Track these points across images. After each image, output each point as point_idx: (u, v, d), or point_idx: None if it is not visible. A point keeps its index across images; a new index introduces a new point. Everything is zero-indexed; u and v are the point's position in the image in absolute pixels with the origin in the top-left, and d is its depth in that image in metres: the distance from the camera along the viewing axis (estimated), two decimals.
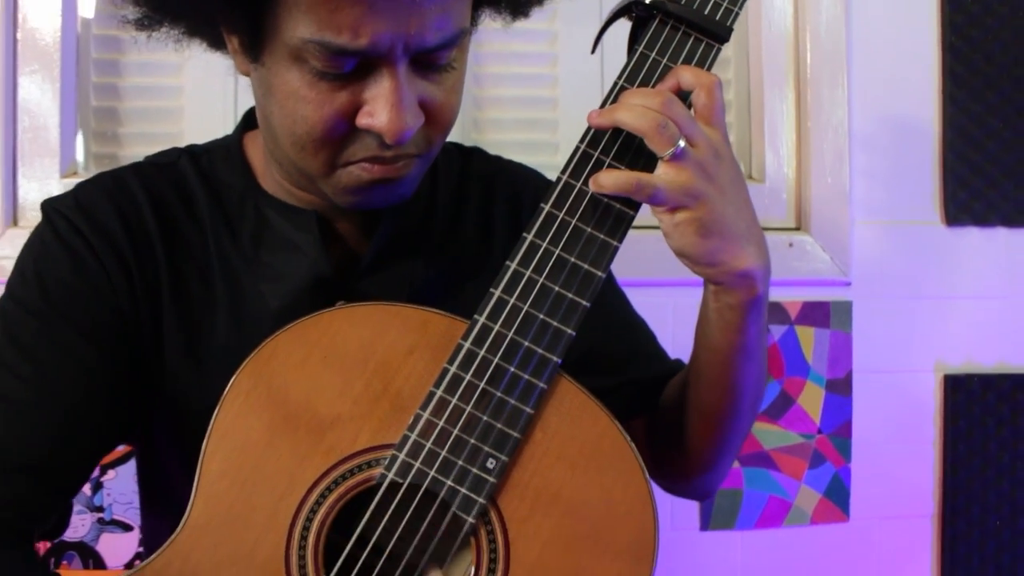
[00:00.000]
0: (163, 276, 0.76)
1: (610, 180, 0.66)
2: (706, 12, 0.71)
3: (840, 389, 1.36)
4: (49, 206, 0.77)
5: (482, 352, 0.66)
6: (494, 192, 0.88)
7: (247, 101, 1.31)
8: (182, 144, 1.34)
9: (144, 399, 0.76)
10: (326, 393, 0.66)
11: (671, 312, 1.29)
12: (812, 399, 1.35)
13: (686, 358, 0.81)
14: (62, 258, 0.74)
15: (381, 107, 0.65)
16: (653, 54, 0.71)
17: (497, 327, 0.66)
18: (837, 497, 1.36)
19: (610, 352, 0.85)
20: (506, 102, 1.40)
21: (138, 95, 1.34)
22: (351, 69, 0.65)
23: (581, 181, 0.68)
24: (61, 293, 0.73)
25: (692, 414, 0.78)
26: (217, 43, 0.75)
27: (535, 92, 1.41)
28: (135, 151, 1.34)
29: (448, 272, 0.82)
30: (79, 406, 0.71)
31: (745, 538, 1.36)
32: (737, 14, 0.72)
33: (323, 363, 0.67)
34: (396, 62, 0.64)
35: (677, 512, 1.33)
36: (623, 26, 0.74)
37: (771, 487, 1.35)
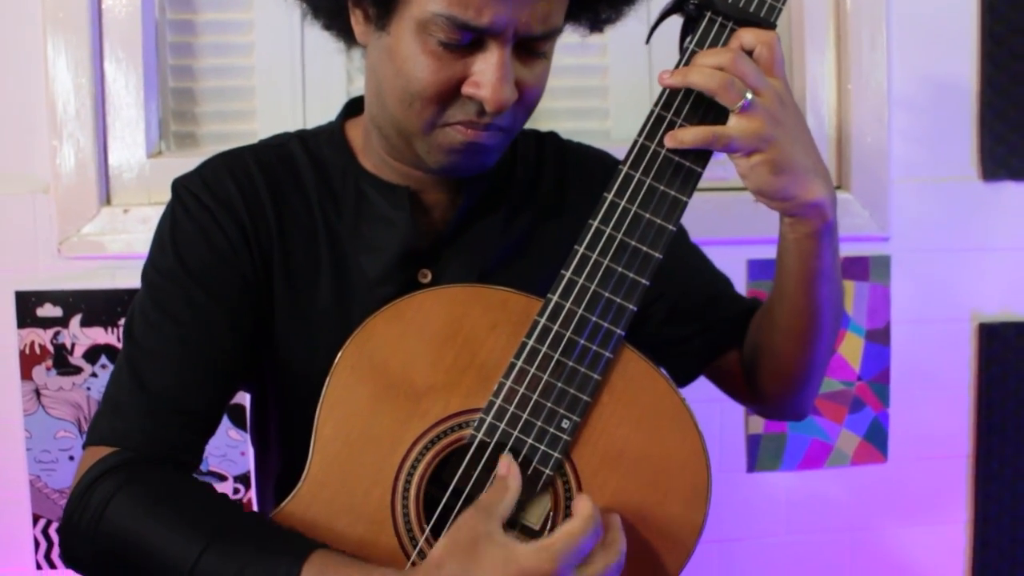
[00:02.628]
0: (275, 243, 0.86)
1: (689, 135, 0.74)
2: (752, 9, 0.78)
3: (879, 339, 1.44)
4: (180, 184, 0.88)
5: (555, 327, 0.76)
6: (566, 171, 0.97)
7: (313, 78, 1.42)
8: (254, 120, 1.46)
9: (259, 352, 0.87)
10: (420, 365, 0.77)
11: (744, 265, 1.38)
12: (852, 348, 1.43)
13: None
14: (193, 232, 0.85)
15: (487, 79, 0.75)
16: (704, 51, 0.78)
17: (568, 304, 0.76)
18: (876, 440, 1.45)
19: (695, 300, 0.95)
20: (558, 73, 1.46)
21: (212, 75, 1.43)
22: (466, 43, 0.75)
23: (655, 142, 0.76)
24: (195, 262, 0.84)
25: (780, 338, 0.87)
26: (335, 16, 0.85)
27: (587, 82, 1.46)
28: (211, 128, 1.44)
29: (522, 243, 0.92)
30: (213, 358, 0.82)
31: (789, 479, 1.45)
32: (780, 10, 0.79)
33: (417, 338, 0.77)
34: (505, 43, 0.75)
35: (725, 454, 1.43)
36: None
37: (814, 431, 1.44)
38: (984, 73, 1.43)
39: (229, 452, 1.36)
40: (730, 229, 1.37)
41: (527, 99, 0.81)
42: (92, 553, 0.75)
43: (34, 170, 1.33)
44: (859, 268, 1.43)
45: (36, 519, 1.35)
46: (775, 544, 1.46)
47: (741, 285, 1.41)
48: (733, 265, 1.40)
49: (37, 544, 1.35)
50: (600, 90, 1.47)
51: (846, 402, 1.43)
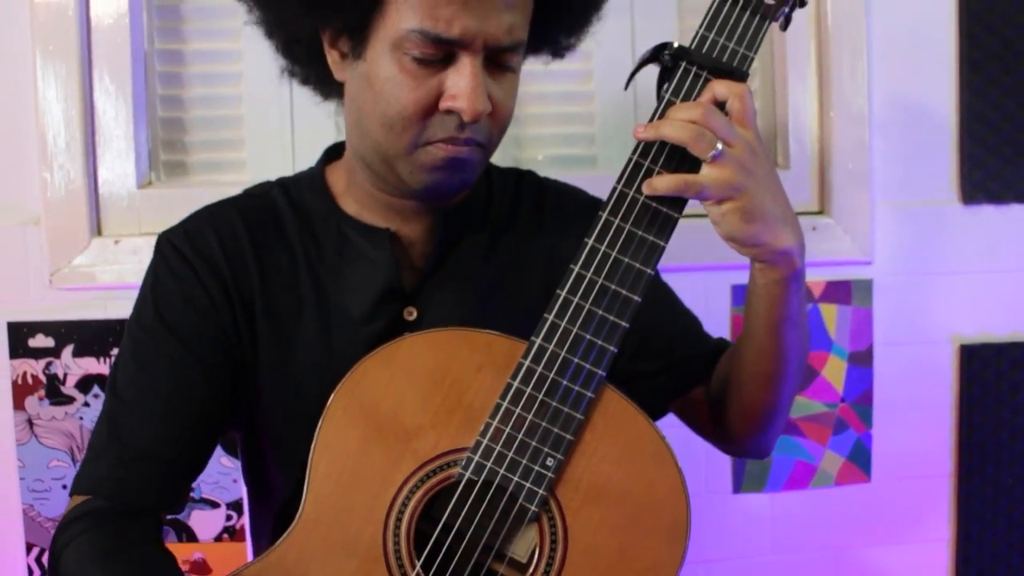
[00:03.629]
0: (256, 291, 0.91)
1: (663, 183, 0.79)
2: (724, 59, 0.83)
3: (862, 361, 1.49)
4: (164, 239, 0.94)
5: (539, 368, 0.80)
6: (544, 208, 1.02)
7: (301, 108, 1.46)
8: (243, 148, 1.50)
9: (245, 396, 0.92)
10: (409, 406, 0.81)
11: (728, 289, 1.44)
12: (835, 371, 1.48)
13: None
14: (173, 287, 0.90)
15: (462, 89, 0.81)
16: (679, 100, 0.83)
17: (551, 347, 0.81)
18: (859, 460, 1.50)
19: (663, 337, 1.00)
20: (545, 100, 1.50)
21: (201, 105, 1.47)
22: (439, 58, 0.81)
23: (634, 189, 0.81)
24: (173, 317, 0.89)
25: (746, 380, 0.92)
26: (312, 63, 0.91)
27: (573, 109, 1.51)
28: (201, 157, 1.48)
29: (502, 278, 0.97)
30: (190, 410, 0.88)
31: (774, 499, 1.50)
32: (752, 60, 0.84)
33: (406, 381, 0.82)
34: (475, 55, 0.81)
35: (711, 476, 1.48)
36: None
37: (798, 452, 1.49)
38: (962, 99, 1.48)
39: (222, 479, 1.40)
40: (715, 255, 1.39)
41: (500, 114, 0.86)
42: None
43: (25, 202, 1.37)
44: (842, 292, 1.48)
45: (29, 547, 1.39)
46: (761, 564, 1.50)
47: (725, 309, 1.45)
48: (717, 290, 1.46)
49: (30, 572, 1.39)
50: (586, 116, 1.51)
51: (829, 423, 1.48)
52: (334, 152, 1.00)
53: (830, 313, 1.47)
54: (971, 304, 1.51)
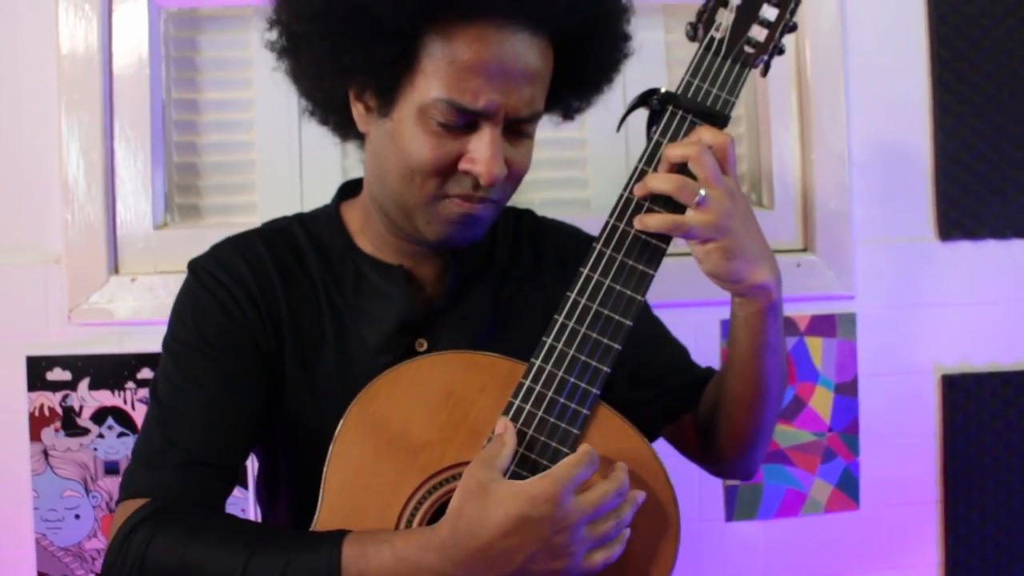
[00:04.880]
0: (284, 317, 0.98)
1: (654, 221, 0.87)
2: (708, 103, 0.92)
3: (847, 391, 1.56)
4: (196, 264, 1.00)
5: (538, 387, 0.87)
6: (543, 246, 1.10)
7: (310, 150, 1.54)
8: (254, 192, 1.57)
9: (271, 412, 0.98)
10: (418, 423, 0.88)
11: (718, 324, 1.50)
12: (822, 401, 1.55)
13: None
14: (212, 306, 0.97)
15: (481, 156, 0.88)
16: (666, 141, 0.91)
17: (549, 367, 0.87)
18: (848, 488, 1.56)
19: (653, 366, 1.07)
20: (540, 146, 1.59)
21: (214, 151, 1.55)
22: (462, 125, 0.88)
23: (624, 222, 0.89)
24: (213, 332, 0.96)
25: (731, 404, 0.99)
26: (335, 112, 0.99)
27: (564, 154, 1.60)
28: (214, 200, 1.56)
29: (506, 314, 1.04)
30: (235, 417, 0.94)
31: (766, 527, 1.55)
32: (733, 103, 0.93)
33: (415, 399, 0.89)
34: (496, 125, 0.89)
35: (705, 505, 1.54)
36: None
37: (788, 481, 1.55)
38: (937, 141, 1.57)
39: (230, 509, 1.45)
40: (705, 292, 1.46)
41: (514, 175, 0.94)
42: None
43: (47, 241, 1.45)
44: (827, 325, 1.55)
45: None
46: None
47: (715, 342, 1.53)
48: (707, 325, 1.53)
49: None
50: (579, 161, 1.60)
51: (818, 452, 1.55)
52: (348, 190, 1.07)
53: (816, 346, 1.55)
54: (951, 336, 1.58)
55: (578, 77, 0.98)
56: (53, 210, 1.45)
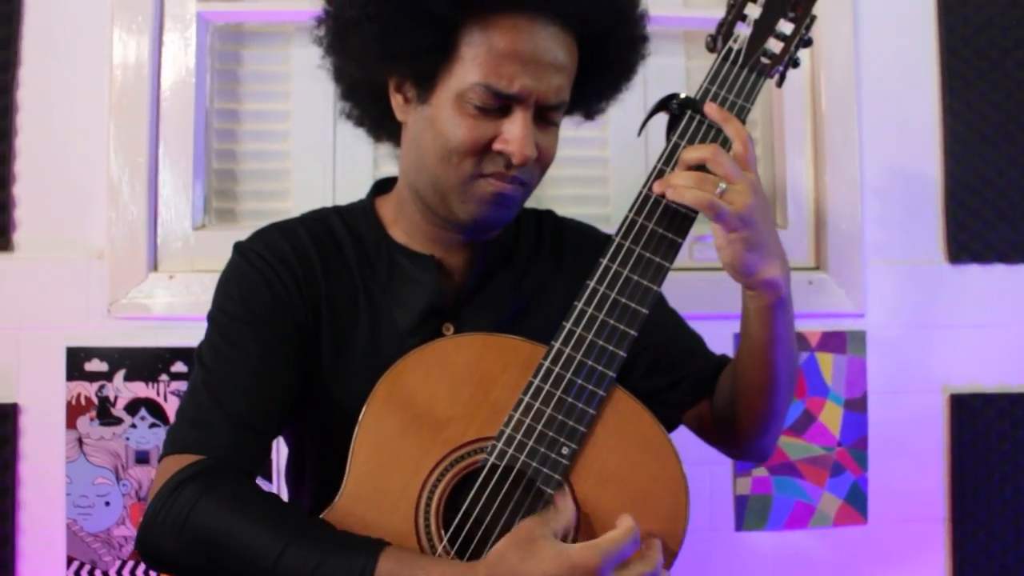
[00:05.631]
0: (322, 297, 1.04)
1: (689, 196, 0.90)
2: (725, 108, 0.98)
3: (857, 407, 1.60)
4: (242, 245, 1.07)
5: (557, 369, 0.92)
6: (563, 242, 1.17)
7: (343, 161, 1.62)
8: (288, 199, 1.65)
9: (307, 387, 1.03)
10: (442, 400, 0.93)
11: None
12: (832, 416, 1.59)
13: None
14: (257, 281, 1.03)
15: (515, 136, 0.96)
16: (684, 143, 0.97)
17: (568, 350, 0.93)
18: (856, 502, 1.59)
19: (672, 354, 1.13)
20: (565, 164, 1.67)
21: (252, 159, 1.63)
22: (497, 108, 0.96)
23: (643, 217, 0.95)
24: (259, 306, 1.02)
25: (744, 391, 1.04)
26: (372, 103, 1.07)
27: (589, 152, 1.68)
28: (249, 206, 1.63)
29: (528, 302, 1.10)
30: (277, 386, 1.00)
31: (775, 538, 1.58)
32: (749, 110, 0.99)
33: (440, 377, 0.94)
34: (528, 109, 0.97)
35: (715, 515, 1.57)
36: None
37: (797, 493, 1.58)
38: (947, 167, 1.62)
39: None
40: (719, 305, 1.54)
41: (543, 160, 1.02)
42: (176, 547, 0.87)
43: (90, 238, 1.53)
44: (837, 342, 1.60)
45: (70, 561, 1.49)
46: None
47: (728, 354, 1.57)
48: (721, 337, 1.57)
49: None
50: (601, 179, 1.66)
51: (827, 466, 1.58)
52: (382, 187, 1.15)
53: (826, 362, 1.59)
54: (960, 356, 1.62)
55: (599, 76, 1.06)
56: (98, 208, 1.53)
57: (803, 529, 1.58)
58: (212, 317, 1.03)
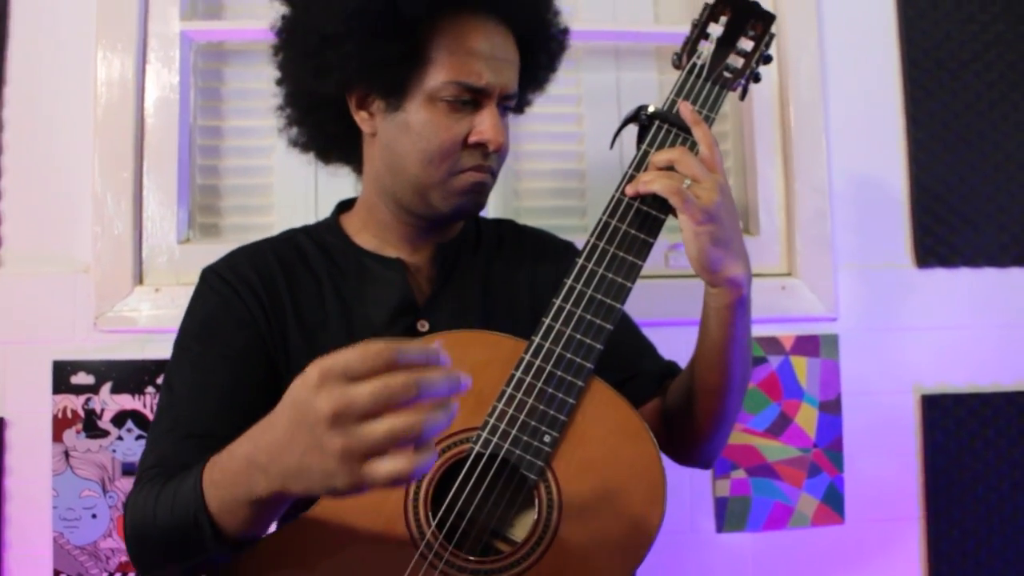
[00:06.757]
0: (287, 306, 1.12)
1: (657, 185, 0.98)
2: None
3: (831, 409, 1.67)
4: (207, 270, 1.15)
5: (538, 362, 0.99)
6: (524, 244, 1.27)
7: (325, 175, 1.68)
8: (271, 213, 1.71)
9: (278, 391, 1.09)
10: None
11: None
12: (807, 418, 1.66)
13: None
14: (214, 301, 1.11)
15: (487, 127, 1.07)
16: (653, 150, 1.05)
17: (548, 344, 0.99)
18: (833, 502, 1.66)
19: (624, 353, 1.19)
20: (543, 177, 1.75)
21: (235, 174, 1.70)
22: (467, 102, 1.06)
23: (616, 220, 1.02)
24: (212, 324, 1.10)
25: (696, 393, 1.10)
26: (336, 122, 1.15)
27: (565, 165, 1.76)
28: (233, 220, 1.69)
29: (493, 296, 1.19)
30: (229, 396, 1.06)
31: (754, 539, 1.64)
32: (713, 119, 1.07)
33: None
34: (494, 100, 1.07)
35: (696, 516, 1.63)
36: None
37: (775, 494, 1.65)
38: (912, 174, 1.71)
39: None
40: (693, 312, 1.59)
41: (505, 146, 1.12)
42: (130, 550, 0.96)
43: (76, 252, 1.58)
44: (811, 345, 1.67)
45: (57, 574, 1.53)
46: None
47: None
48: (694, 343, 1.64)
49: None
50: (578, 191, 1.74)
51: (804, 467, 1.65)
52: (343, 207, 1.25)
53: (801, 365, 1.66)
54: (930, 357, 1.70)
55: (533, 69, 1.17)
56: (84, 223, 1.58)
57: (782, 530, 1.64)
58: (177, 343, 1.11)
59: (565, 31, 1.20)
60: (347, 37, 1.05)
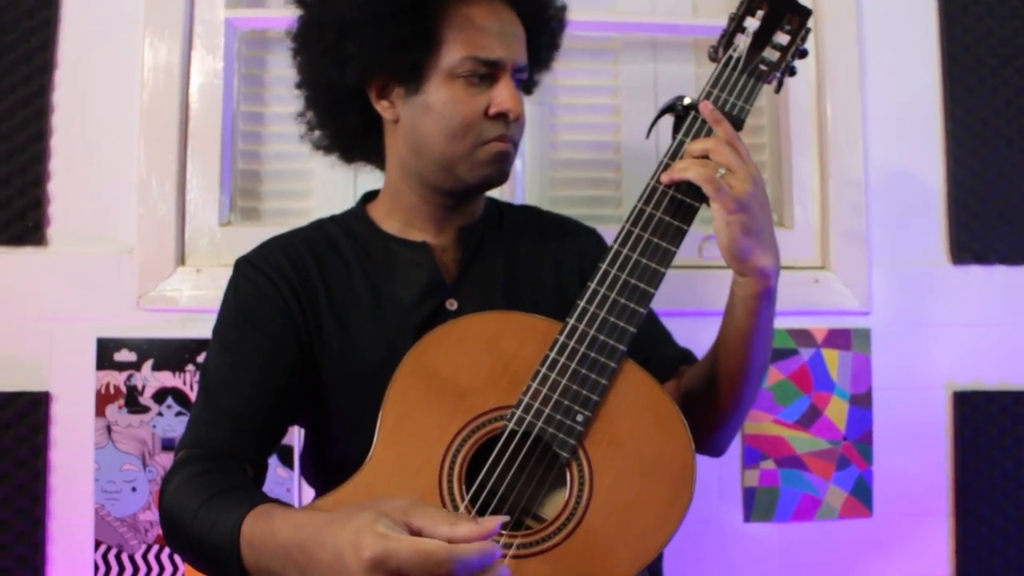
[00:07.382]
0: (319, 290, 1.16)
1: (692, 172, 1.01)
2: (726, 110, 1.09)
3: (862, 403, 1.69)
4: (241, 260, 1.20)
5: (572, 343, 1.02)
6: (547, 225, 1.31)
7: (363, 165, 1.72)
8: (310, 199, 1.76)
9: (313, 375, 1.15)
10: (464, 372, 1.03)
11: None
12: (837, 411, 1.68)
13: None
14: (249, 289, 1.16)
15: (506, 97, 1.12)
16: (688, 140, 1.08)
17: (582, 326, 1.03)
18: (861, 495, 1.68)
19: (641, 335, 1.20)
20: (580, 166, 1.78)
21: (276, 160, 1.74)
22: (484, 76, 1.11)
23: (651, 207, 1.05)
24: (247, 311, 1.15)
25: (715, 377, 1.13)
26: (359, 114, 1.20)
27: (600, 156, 1.79)
28: (273, 204, 1.74)
29: (519, 275, 1.23)
30: (270, 382, 1.12)
31: (782, 529, 1.66)
32: (748, 110, 1.10)
33: (462, 351, 1.04)
34: (509, 73, 1.13)
35: (724, 506, 1.66)
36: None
37: (804, 486, 1.67)
38: (949, 170, 1.72)
39: (276, 489, 1.61)
40: (715, 304, 1.63)
41: (523, 116, 1.17)
42: (164, 529, 1.04)
43: (121, 233, 1.64)
44: (843, 339, 1.69)
45: (98, 544, 1.59)
46: None
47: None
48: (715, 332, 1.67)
49: (96, 568, 1.58)
50: (614, 182, 1.77)
51: (833, 460, 1.67)
52: (368, 198, 1.29)
53: (832, 358, 1.68)
54: (963, 354, 1.71)
55: (537, 49, 1.22)
56: (128, 205, 1.64)
57: (810, 521, 1.66)
58: (215, 331, 1.16)
59: (563, 8, 1.25)
60: (364, 24, 1.10)
